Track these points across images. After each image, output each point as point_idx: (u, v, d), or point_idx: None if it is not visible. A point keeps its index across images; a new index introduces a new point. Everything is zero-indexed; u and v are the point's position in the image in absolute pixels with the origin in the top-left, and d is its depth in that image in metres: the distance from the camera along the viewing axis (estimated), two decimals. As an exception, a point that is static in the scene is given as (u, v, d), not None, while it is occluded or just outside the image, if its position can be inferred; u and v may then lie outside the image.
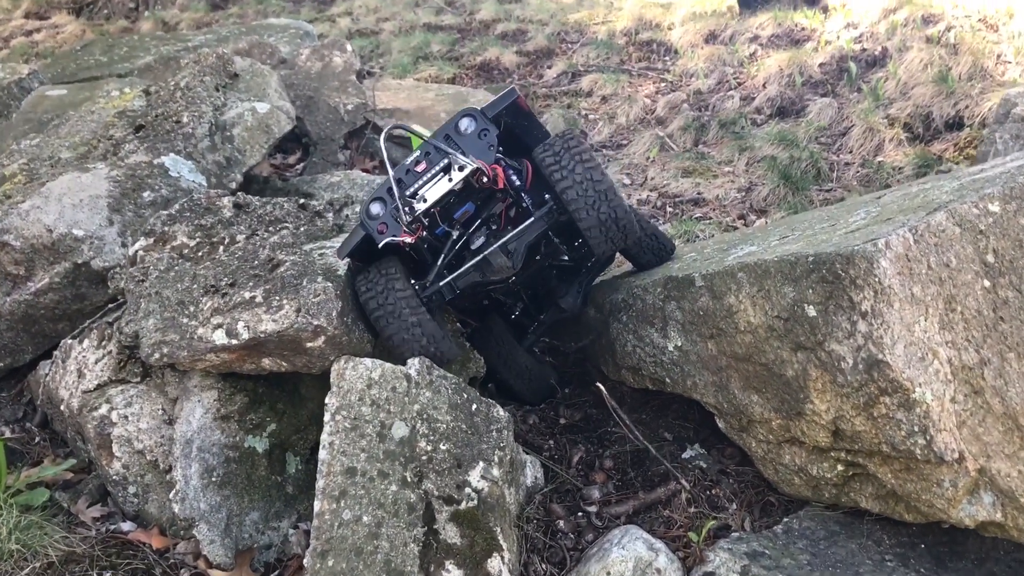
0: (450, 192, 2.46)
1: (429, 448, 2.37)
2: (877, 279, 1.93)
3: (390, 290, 2.45)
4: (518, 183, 2.68)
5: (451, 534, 2.28)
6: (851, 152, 5.42)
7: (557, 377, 3.31)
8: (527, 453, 2.87)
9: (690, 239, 4.14)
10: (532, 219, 2.59)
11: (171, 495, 2.62)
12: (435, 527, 2.28)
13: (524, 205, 2.68)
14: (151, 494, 2.78)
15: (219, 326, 2.46)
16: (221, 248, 2.81)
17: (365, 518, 2.25)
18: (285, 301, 2.46)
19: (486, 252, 2.54)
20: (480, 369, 3.16)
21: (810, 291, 2.11)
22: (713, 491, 2.74)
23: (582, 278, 3.10)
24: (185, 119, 4.14)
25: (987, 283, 2.00)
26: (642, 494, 2.75)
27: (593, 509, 2.74)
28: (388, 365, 2.47)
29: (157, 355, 2.56)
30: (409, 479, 2.32)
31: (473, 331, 3.22)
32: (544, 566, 2.48)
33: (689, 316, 2.59)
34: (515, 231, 2.57)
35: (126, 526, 2.79)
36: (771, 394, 2.35)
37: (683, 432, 3.03)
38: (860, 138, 5.43)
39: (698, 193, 4.90)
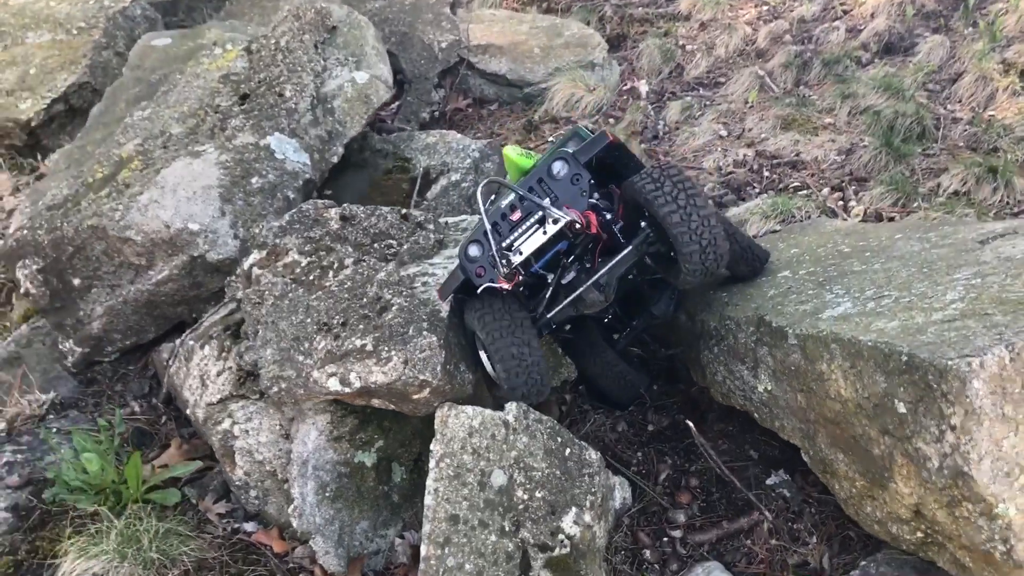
0: (545, 243, 2.54)
1: (526, 497, 2.54)
2: (968, 400, 1.98)
3: (517, 329, 2.57)
4: (609, 217, 2.74)
5: (546, 580, 2.47)
6: (960, 103, 5.21)
7: (648, 382, 3.43)
8: (616, 473, 3.02)
9: (786, 219, 4.11)
10: (625, 252, 2.66)
11: (289, 510, 2.88)
12: (530, 574, 2.47)
13: (615, 234, 2.74)
14: (270, 497, 3.04)
15: (333, 375, 2.63)
16: (331, 273, 2.96)
17: (467, 566, 2.45)
18: (394, 353, 2.61)
19: (580, 290, 2.63)
20: (572, 373, 3.30)
21: (901, 389, 2.17)
22: (795, 524, 2.86)
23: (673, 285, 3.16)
24: (288, 93, 4.23)
25: (1082, 404, 2.02)
26: (725, 524, 2.90)
27: (678, 534, 2.90)
28: (488, 412, 2.63)
29: (275, 389, 2.76)
30: (507, 528, 2.50)
31: (567, 337, 3.34)
32: (630, 599, 2.67)
33: (780, 366, 2.67)
34: (607, 267, 2.64)
35: (249, 526, 3.07)
36: (857, 459, 2.44)
37: (769, 451, 3.14)
38: (971, 87, 5.20)
39: (796, 154, 4.82)
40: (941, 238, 2.99)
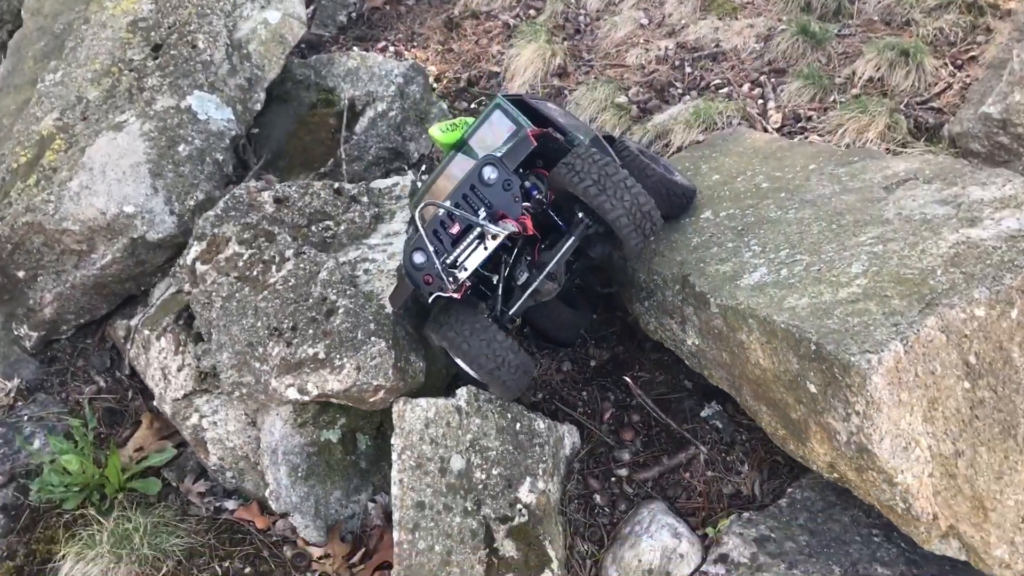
0: (488, 257, 2.67)
1: (483, 476, 2.80)
2: (869, 392, 2.22)
3: (482, 333, 2.72)
4: (543, 204, 2.86)
5: (508, 549, 2.77)
6: (876, -30, 5.23)
7: (589, 319, 3.64)
8: (564, 417, 3.28)
9: (709, 127, 4.23)
10: (568, 243, 2.80)
11: (266, 493, 3.11)
12: (495, 545, 2.77)
13: (552, 218, 2.88)
14: (246, 475, 3.27)
15: (291, 385, 2.80)
16: (273, 268, 3.07)
17: (437, 547, 2.73)
18: (346, 360, 2.78)
19: (534, 285, 2.79)
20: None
21: (812, 373, 2.40)
22: (728, 455, 3.17)
23: None
24: (201, 43, 4.17)
25: (967, 384, 2.27)
26: (666, 459, 3.19)
27: (624, 473, 3.20)
28: (440, 402, 2.84)
29: (237, 393, 2.94)
30: (469, 508, 2.77)
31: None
32: (585, 546, 2.99)
33: (705, 327, 2.89)
34: (554, 259, 2.79)
35: (230, 503, 3.31)
36: (779, 416, 2.71)
37: (701, 380, 3.39)
38: (884, -51, 5.20)
39: (716, 44, 4.87)
40: (851, 177, 3.16)
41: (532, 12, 5.59)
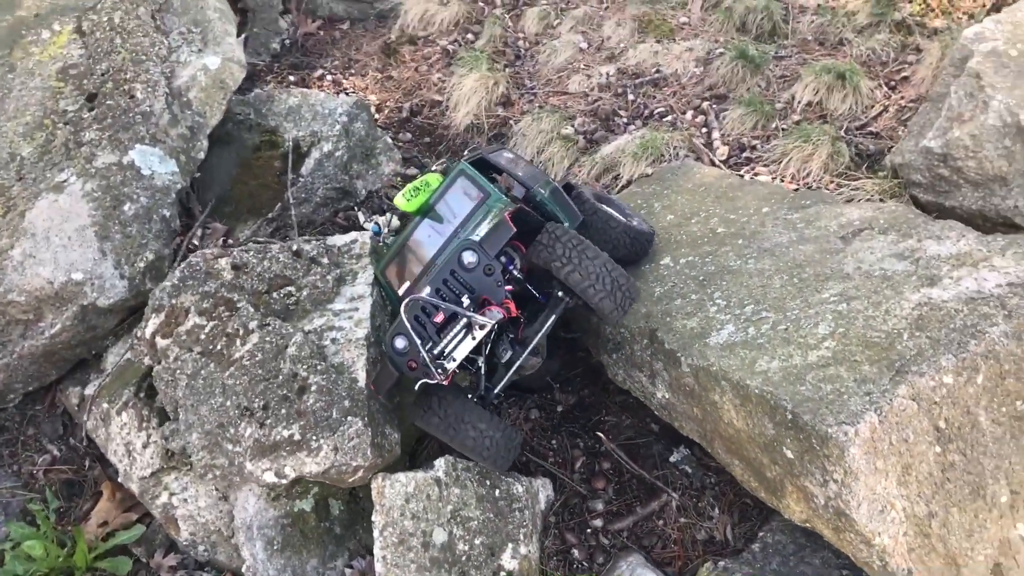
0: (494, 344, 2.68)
1: (467, 548, 2.81)
2: (847, 463, 2.30)
3: (466, 416, 2.74)
4: (520, 278, 2.88)
5: (495, 618, 2.79)
6: (805, -9, 5.34)
7: (557, 367, 3.67)
8: (536, 469, 3.31)
9: (656, 159, 4.28)
10: (550, 320, 2.84)
11: (243, 568, 3.08)
12: (481, 615, 2.78)
13: (532, 294, 2.90)
14: (219, 547, 3.23)
15: (268, 469, 2.77)
16: (238, 342, 3.03)
17: (424, 623, 2.74)
18: (323, 441, 2.76)
19: (519, 361, 2.81)
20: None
21: (788, 439, 2.47)
22: (699, 501, 3.23)
23: None
24: (139, 94, 4.06)
25: (938, 448, 2.37)
26: (639, 508, 3.25)
27: (599, 524, 3.24)
28: (420, 475, 2.84)
29: (210, 476, 2.89)
30: (455, 580, 2.78)
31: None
32: (568, 603, 3.03)
33: (676, 383, 2.94)
34: (537, 334, 2.82)
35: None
36: (753, 472, 2.78)
37: (668, 424, 3.46)
38: (812, -31, 5.32)
39: (657, 69, 4.91)
40: (806, 224, 3.24)
41: (470, 37, 5.56)
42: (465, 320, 2.59)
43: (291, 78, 5.40)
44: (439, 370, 2.62)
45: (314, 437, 2.76)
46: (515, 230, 2.67)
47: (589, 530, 3.23)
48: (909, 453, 2.33)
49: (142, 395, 3.28)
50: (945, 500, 2.36)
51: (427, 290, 2.62)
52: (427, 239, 3.11)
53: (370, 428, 2.78)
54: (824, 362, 2.53)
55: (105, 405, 3.32)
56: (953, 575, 2.40)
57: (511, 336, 2.83)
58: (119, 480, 3.30)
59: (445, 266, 2.67)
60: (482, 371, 2.85)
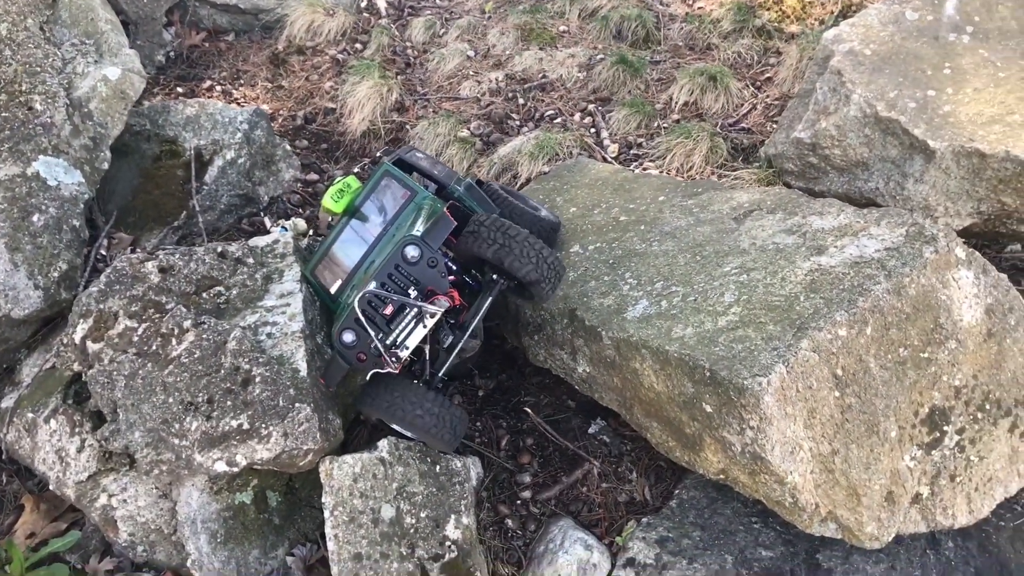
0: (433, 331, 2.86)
1: (414, 521, 2.98)
2: (762, 410, 2.60)
3: (410, 397, 2.90)
4: (456, 269, 3.08)
5: (443, 585, 2.97)
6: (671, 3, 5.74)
7: (478, 360, 3.88)
8: (465, 449, 3.51)
9: (552, 158, 4.55)
10: (487, 303, 3.05)
11: (188, 563, 3.15)
12: (431, 584, 2.96)
13: (466, 281, 3.10)
14: (158, 546, 3.28)
15: (219, 459, 2.87)
16: (174, 340, 3.10)
17: (379, 594, 2.89)
18: (272, 428, 2.88)
19: (460, 345, 3.00)
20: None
21: (707, 395, 2.76)
22: (618, 467, 3.50)
23: None
24: (38, 105, 4.04)
25: (837, 393, 2.70)
26: (564, 477, 3.49)
27: (528, 495, 3.46)
28: (365, 456, 3.00)
29: (156, 471, 2.96)
30: (404, 553, 2.95)
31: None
32: (506, 569, 3.23)
33: (597, 356, 3.19)
34: (476, 319, 3.02)
35: (144, 578, 3.30)
36: (671, 431, 3.05)
37: (583, 398, 3.72)
38: (677, -20, 5.72)
39: (543, 75, 5.19)
40: (701, 209, 3.56)
41: (359, 46, 5.71)
42: (416, 310, 2.76)
43: (179, 90, 5.42)
44: (393, 359, 2.79)
45: (263, 425, 2.87)
46: (455, 224, 2.87)
47: (519, 501, 3.44)
48: (813, 398, 2.65)
49: (70, 401, 3.29)
50: (845, 438, 2.70)
51: (372, 284, 2.77)
52: (355, 238, 3.26)
53: (316, 414, 2.92)
54: (733, 325, 2.83)
55: (30, 415, 3.31)
56: (854, 504, 2.74)
57: (451, 322, 3.02)
58: (52, 488, 3.30)
59: (388, 261, 2.84)
60: (426, 357, 3.03)
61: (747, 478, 2.82)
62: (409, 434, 3.09)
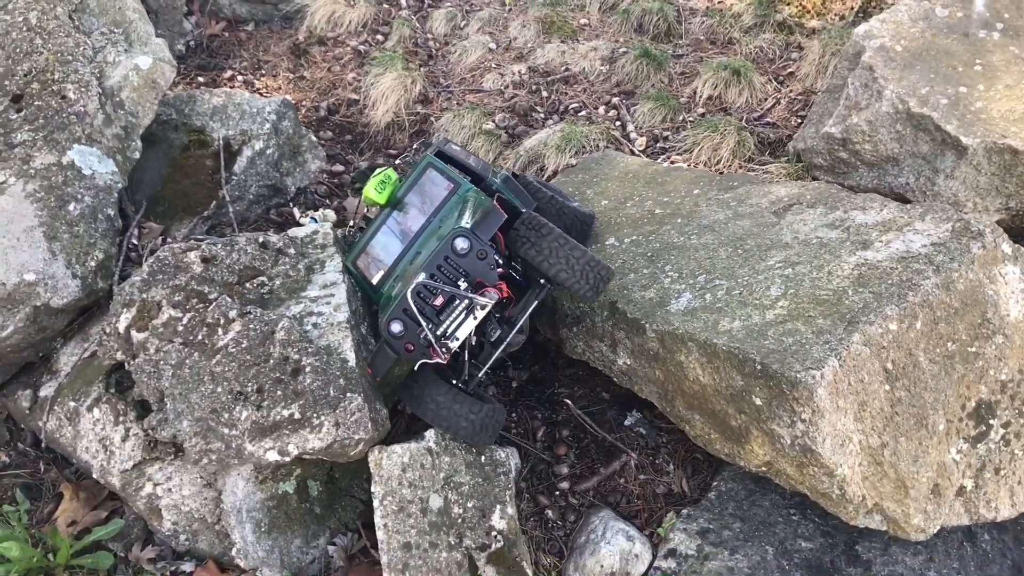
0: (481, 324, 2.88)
1: (461, 511, 3.01)
2: (815, 403, 2.63)
3: (451, 402, 2.93)
4: (504, 264, 3.10)
5: (490, 574, 3.00)
6: (693, -6, 5.76)
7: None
8: (501, 444, 3.53)
9: (578, 151, 4.57)
10: (534, 303, 3.06)
11: (233, 552, 3.17)
12: (479, 573, 2.99)
13: (515, 277, 3.12)
14: (200, 535, 3.29)
15: (271, 448, 2.88)
16: (220, 331, 3.11)
17: (428, 583, 2.92)
18: (324, 418, 2.90)
19: (508, 339, 3.02)
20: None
21: (757, 388, 2.79)
22: (655, 458, 3.53)
23: None
24: (72, 94, 4.04)
25: (887, 387, 2.74)
26: (601, 469, 3.52)
27: (566, 486, 3.49)
28: (414, 446, 3.02)
29: (206, 460, 2.98)
30: (453, 542, 2.97)
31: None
32: (547, 559, 3.26)
33: (639, 349, 3.22)
34: (524, 315, 3.04)
35: (187, 566, 3.32)
36: (715, 424, 3.09)
37: (617, 390, 3.75)
38: (700, -26, 5.74)
39: (566, 68, 5.21)
40: (738, 203, 3.59)
41: (380, 38, 5.71)
42: (467, 302, 2.78)
43: (200, 79, 5.41)
44: (443, 350, 2.81)
45: (315, 415, 2.89)
46: (506, 216, 2.88)
47: (557, 492, 3.47)
48: (864, 392, 2.68)
49: (112, 390, 3.30)
50: (895, 431, 2.73)
51: (422, 275, 2.79)
52: (398, 230, 3.28)
53: (367, 403, 2.94)
54: (781, 319, 2.86)
55: (71, 403, 3.32)
56: (902, 496, 2.77)
57: (498, 316, 3.04)
58: (95, 476, 3.31)
59: (438, 253, 2.85)
60: (465, 351, 3.05)
61: (794, 470, 2.85)
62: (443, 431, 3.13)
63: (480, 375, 3.09)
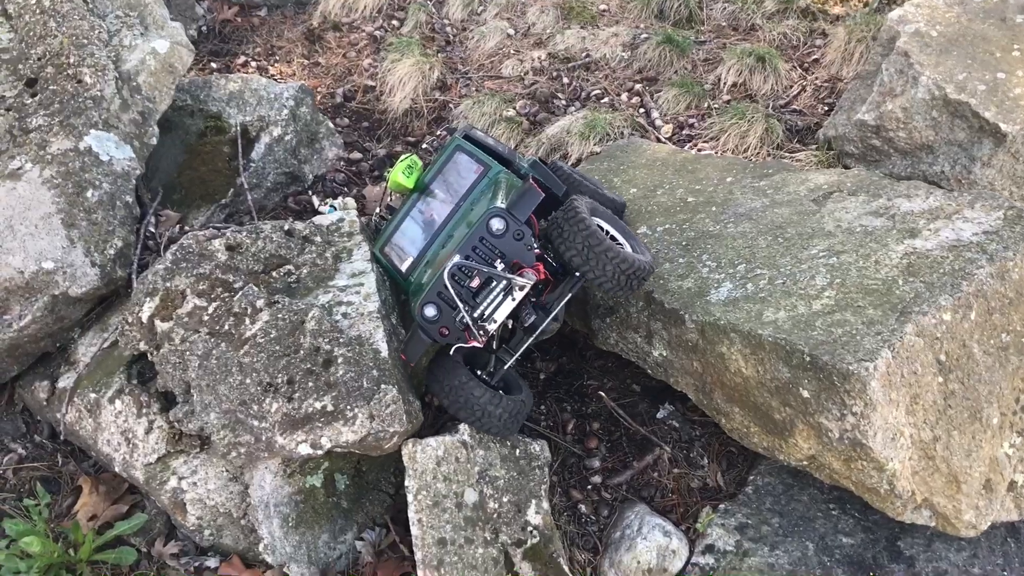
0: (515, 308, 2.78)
1: (496, 506, 2.93)
2: (868, 396, 2.55)
3: (472, 394, 2.84)
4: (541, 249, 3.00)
5: (527, 570, 2.92)
6: (714, -24, 5.66)
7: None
8: (532, 433, 3.45)
9: (602, 138, 4.48)
10: (570, 292, 2.94)
11: (260, 548, 3.09)
12: (515, 569, 2.91)
13: (551, 261, 3.03)
14: (225, 531, 3.21)
15: (303, 441, 2.80)
16: (247, 320, 3.02)
17: (464, 580, 2.83)
18: (358, 410, 2.81)
19: (542, 326, 2.92)
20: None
21: (806, 380, 2.70)
22: (689, 452, 3.45)
23: None
24: (88, 78, 3.93)
25: (940, 379, 2.65)
26: (635, 463, 3.44)
27: (598, 480, 3.41)
28: (447, 439, 2.94)
29: (234, 454, 2.89)
30: (488, 538, 2.89)
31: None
32: (582, 555, 3.18)
33: (677, 340, 3.13)
34: (561, 302, 2.93)
35: (211, 562, 3.24)
36: (756, 416, 3.00)
37: (647, 382, 3.67)
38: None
39: (587, 54, 5.12)
40: (775, 190, 3.50)
41: (395, 23, 5.61)
42: (504, 283, 2.69)
43: (213, 65, 5.31)
44: (480, 332, 2.72)
45: (348, 407, 2.81)
46: (543, 195, 2.79)
47: (590, 486, 3.39)
48: (917, 384, 2.60)
49: (135, 381, 3.22)
50: (947, 425, 2.65)
51: (456, 257, 2.70)
52: (427, 215, 3.19)
53: (401, 395, 2.85)
54: (829, 309, 2.78)
55: (92, 395, 3.23)
56: (953, 491, 2.70)
57: (533, 300, 2.94)
58: (117, 470, 3.22)
59: (473, 234, 2.76)
60: (494, 339, 2.96)
61: (840, 464, 2.77)
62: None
63: (511, 363, 2.99)
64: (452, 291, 2.68)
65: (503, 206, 2.77)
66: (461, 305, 2.69)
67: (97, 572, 3.15)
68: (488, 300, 2.72)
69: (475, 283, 2.72)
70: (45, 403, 3.53)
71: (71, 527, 3.15)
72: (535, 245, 2.76)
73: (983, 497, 2.74)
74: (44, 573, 3.09)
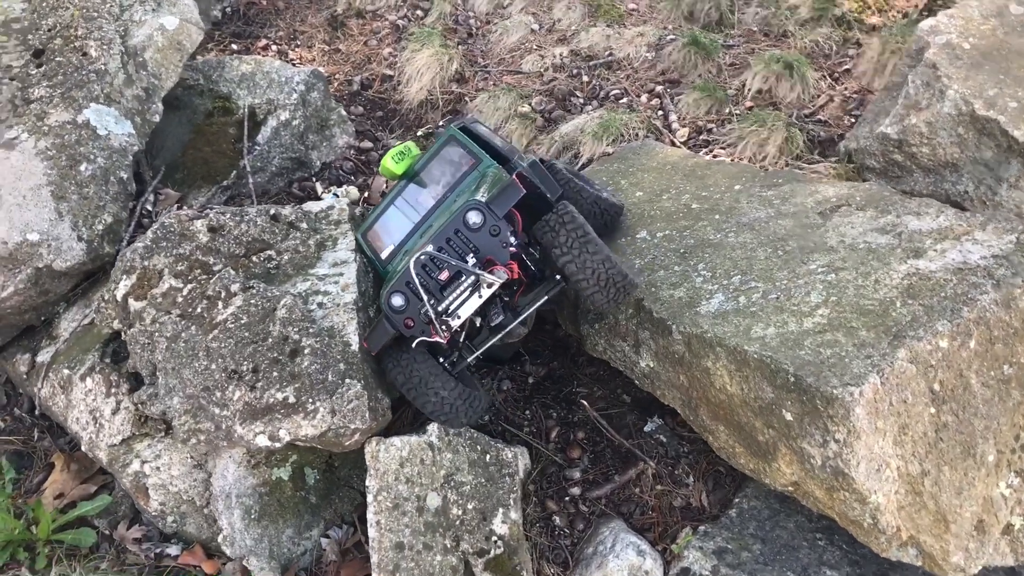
0: (483, 306, 2.66)
1: (460, 512, 2.80)
2: (851, 423, 2.39)
3: (430, 380, 2.71)
4: (519, 246, 2.87)
5: (488, 582, 2.79)
6: (750, -20, 5.49)
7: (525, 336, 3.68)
8: (512, 439, 3.32)
9: (616, 139, 4.33)
10: (544, 298, 2.82)
11: (220, 538, 3.00)
12: (475, 580, 2.78)
13: (529, 264, 2.90)
14: (188, 518, 3.13)
15: (261, 432, 2.70)
16: (220, 304, 2.93)
17: (420, 587, 2.72)
18: (319, 404, 2.71)
19: (508, 328, 2.80)
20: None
21: (789, 402, 2.55)
22: (675, 469, 3.30)
23: None
24: (93, 51, 3.88)
25: (932, 410, 2.48)
26: (616, 476, 3.29)
27: (577, 492, 3.27)
28: (413, 439, 2.82)
29: (194, 440, 2.80)
30: (448, 545, 2.77)
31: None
32: (551, 569, 3.05)
33: (664, 351, 2.99)
34: (530, 308, 2.81)
35: (172, 549, 3.16)
36: (740, 437, 2.85)
37: (638, 394, 3.52)
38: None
39: (609, 52, 4.98)
40: (782, 201, 3.33)
41: (419, 13, 5.51)
42: (473, 278, 2.57)
43: (234, 47, 5.25)
44: (443, 327, 2.60)
45: (310, 400, 2.70)
46: (524, 192, 2.66)
47: (568, 498, 3.26)
48: (907, 414, 2.43)
49: (107, 360, 3.15)
50: (938, 459, 2.48)
51: (429, 248, 2.59)
52: (413, 203, 3.08)
53: (366, 392, 2.74)
54: (820, 328, 2.62)
55: (66, 371, 3.17)
56: (941, 531, 2.52)
57: (504, 300, 2.82)
58: (83, 449, 3.16)
59: (448, 225, 2.65)
60: (461, 334, 2.84)
61: (823, 493, 2.61)
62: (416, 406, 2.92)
63: (471, 360, 2.87)
64: (418, 282, 2.56)
65: (483, 200, 2.65)
66: (425, 297, 2.57)
67: (55, 552, 3.08)
68: (455, 295, 2.61)
69: (444, 276, 2.60)
70: (25, 376, 3.49)
71: (34, 504, 3.09)
72: (512, 243, 2.63)
73: (974, 539, 2.56)
74: (2, 548, 3.02)
